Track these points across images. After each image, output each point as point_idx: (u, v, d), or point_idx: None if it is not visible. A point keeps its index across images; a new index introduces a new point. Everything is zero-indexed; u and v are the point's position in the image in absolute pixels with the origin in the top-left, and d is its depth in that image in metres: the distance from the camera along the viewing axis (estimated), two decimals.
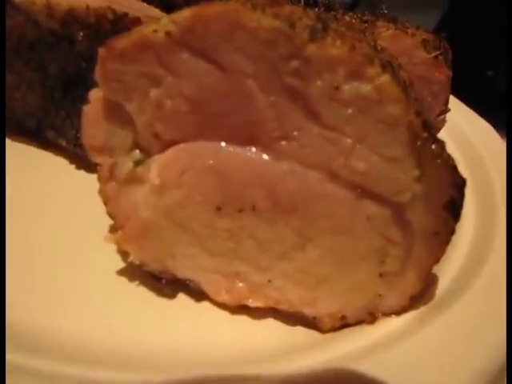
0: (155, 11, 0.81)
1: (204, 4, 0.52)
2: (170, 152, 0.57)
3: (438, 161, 0.53)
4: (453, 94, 0.82)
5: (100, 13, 0.69)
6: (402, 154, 0.53)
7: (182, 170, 0.56)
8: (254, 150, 0.55)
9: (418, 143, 0.52)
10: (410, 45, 0.71)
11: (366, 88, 0.50)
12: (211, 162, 0.56)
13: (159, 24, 0.53)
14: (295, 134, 0.53)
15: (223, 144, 0.56)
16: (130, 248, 0.60)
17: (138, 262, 0.60)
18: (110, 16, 0.69)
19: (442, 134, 0.83)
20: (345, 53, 0.49)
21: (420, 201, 0.54)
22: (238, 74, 0.52)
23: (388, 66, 0.53)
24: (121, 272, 0.63)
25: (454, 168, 0.54)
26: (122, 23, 0.69)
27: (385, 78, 0.50)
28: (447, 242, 0.56)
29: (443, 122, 0.74)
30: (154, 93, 0.54)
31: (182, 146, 0.56)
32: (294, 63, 0.50)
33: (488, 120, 0.98)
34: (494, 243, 0.69)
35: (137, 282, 0.63)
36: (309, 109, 0.52)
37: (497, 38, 1.77)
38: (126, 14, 0.70)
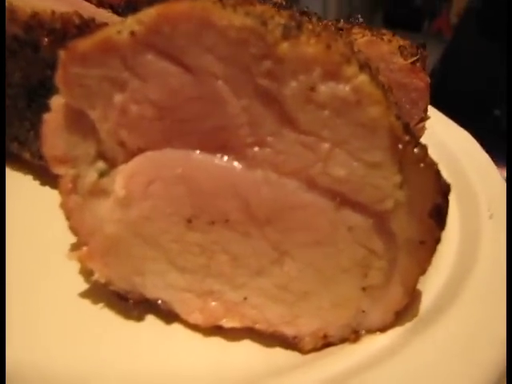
0: None
1: (171, 2, 0.49)
2: (136, 161, 0.53)
3: (421, 165, 0.50)
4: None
5: (66, 17, 0.66)
6: (382, 158, 0.50)
7: (148, 180, 0.53)
8: (225, 157, 0.52)
9: (400, 147, 0.49)
10: (387, 51, 0.69)
11: (343, 89, 0.47)
12: (180, 171, 0.52)
13: (123, 24, 0.49)
14: (269, 139, 0.50)
15: (193, 152, 0.52)
16: (95, 266, 0.56)
17: (103, 281, 0.56)
18: (77, 21, 0.66)
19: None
20: (320, 51, 0.46)
21: (403, 208, 0.51)
22: (207, 77, 0.49)
23: (366, 66, 0.50)
24: (84, 294, 0.58)
25: (438, 173, 0.52)
26: (88, 28, 0.65)
27: (363, 78, 0.48)
28: (433, 251, 0.53)
29: (423, 129, 0.72)
30: (118, 98, 0.51)
31: (148, 154, 0.53)
32: (267, 63, 0.47)
33: (494, 157, 0.96)
34: (480, 253, 0.66)
35: (102, 304, 0.58)
36: (284, 112, 0.49)
37: (502, 78, 1.78)
38: (93, 20, 0.66)
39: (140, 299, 0.57)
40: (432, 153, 0.88)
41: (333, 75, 0.47)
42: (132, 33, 0.48)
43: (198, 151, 0.52)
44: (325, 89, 0.47)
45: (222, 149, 0.52)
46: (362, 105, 0.48)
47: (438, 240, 0.53)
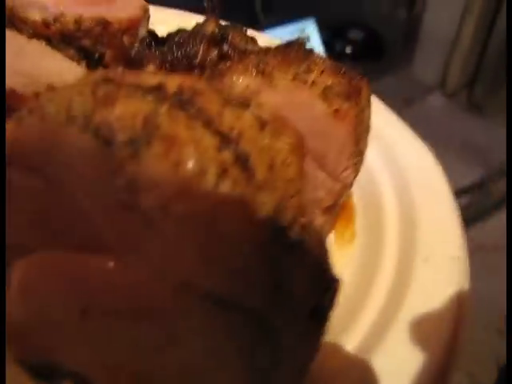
0: (75, 70, 0.76)
1: (25, 120, 0.48)
2: (28, 260, 0.55)
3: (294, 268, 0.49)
4: None
5: None
6: (252, 264, 0.48)
7: (38, 279, 0.55)
8: (104, 259, 0.53)
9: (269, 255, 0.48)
10: (308, 97, 0.64)
11: (197, 206, 0.46)
12: (64, 271, 0.54)
13: None
14: (139, 244, 0.50)
15: (74, 254, 0.53)
16: (10, 348, 0.60)
17: (18, 359, 0.60)
18: None
19: (373, 156, 0.77)
20: (168, 171, 0.45)
21: (281, 309, 0.51)
22: (69, 192, 0.49)
23: (231, 167, 0.48)
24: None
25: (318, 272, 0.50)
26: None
27: (221, 190, 0.46)
28: (317, 344, 0.53)
29: (349, 176, 0.67)
30: None
31: (37, 255, 0.55)
32: (120, 180, 0.46)
33: None
34: (401, 312, 0.64)
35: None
36: (147, 221, 0.48)
37: None
38: (13, 91, 0.65)
39: (56, 375, 0.61)
40: (385, 173, 0.84)
41: (184, 193, 0.45)
42: None
43: (78, 253, 0.53)
44: (178, 207, 0.46)
45: (98, 251, 0.52)
46: (219, 220, 0.46)
47: (321, 334, 0.52)
